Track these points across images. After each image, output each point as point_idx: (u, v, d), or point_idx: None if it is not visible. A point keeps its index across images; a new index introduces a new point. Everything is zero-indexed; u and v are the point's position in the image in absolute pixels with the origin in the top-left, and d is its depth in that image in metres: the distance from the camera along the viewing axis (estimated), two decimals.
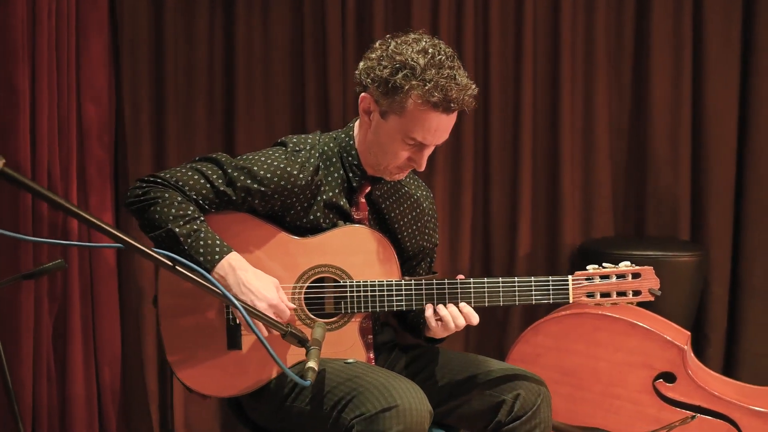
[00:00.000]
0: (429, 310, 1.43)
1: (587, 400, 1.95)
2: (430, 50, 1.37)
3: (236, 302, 1.11)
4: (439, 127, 1.39)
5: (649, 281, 1.48)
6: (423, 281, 1.46)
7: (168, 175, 1.42)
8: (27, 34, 2.06)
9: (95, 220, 0.98)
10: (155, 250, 1.03)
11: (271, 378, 1.47)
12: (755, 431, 1.80)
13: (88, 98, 2.26)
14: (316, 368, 1.15)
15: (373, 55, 1.41)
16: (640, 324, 1.94)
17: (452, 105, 1.36)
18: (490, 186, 2.57)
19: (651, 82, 2.49)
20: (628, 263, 1.50)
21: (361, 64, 1.44)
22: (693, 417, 1.76)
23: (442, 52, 1.38)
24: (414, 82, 1.35)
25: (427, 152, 1.43)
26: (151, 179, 1.42)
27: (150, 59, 2.44)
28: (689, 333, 2.03)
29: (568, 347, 1.99)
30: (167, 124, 2.47)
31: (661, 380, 1.90)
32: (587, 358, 1.97)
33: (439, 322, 1.43)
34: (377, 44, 1.43)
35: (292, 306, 1.41)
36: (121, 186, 2.42)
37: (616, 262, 2.34)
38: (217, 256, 1.36)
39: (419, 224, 1.60)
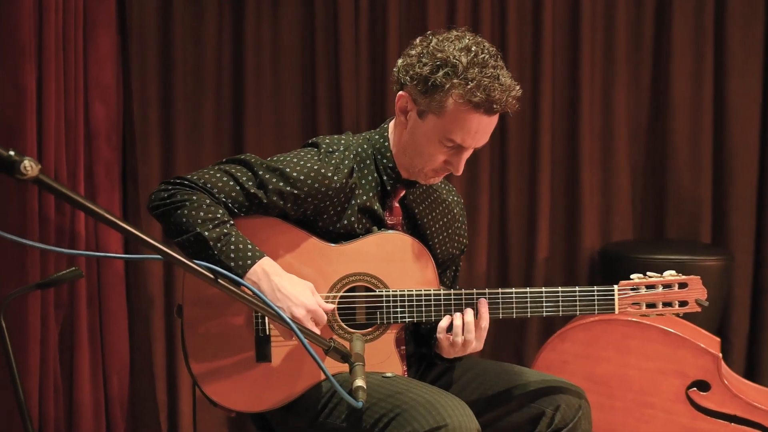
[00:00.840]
0: (445, 322, 1.37)
1: (618, 409, 1.89)
2: (473, 48, 1.31)
3: (287, 318, 1.04)
4: (480, 129, 1.33)
5: (696, 291, 1.43)
6: (463, 291, 1.39)
7: (195, 177, 1.35)
8: (33, 31, 1.97)
9: (135, 231, 0.90)
10: (197, 262, 0.96)
11: (303, 392, 1.40)
12: None
13: (95, 96, 2.17)
14: (365, 386, 1.08)
15: (413, 52, 1.35)
16: (672, 331, 1.89)
17: (495, 106, 1.30)
18: (507, 189, 2.52)
19: (672, 83, 2.45)
20: (674, 272, 1.45)
21: (400, 60, 1.38)
22: None
23: (486, 51, 1.32)
24: (455, 81, 1.29)
25: (466, 156, 1.37)
26: (177, 181, 1.34)
27: (158, 56, 2.36)
28: (719, 339, 1.98)
29: (597, 354, 1.93)
30: (175, 123, 2.39)
31: (695, 389, 1.86)
32: (617, 365, 1.91)
33: (449, 337, 1.37)
34: (417, 41, 1.37)
35: (331, 307, 1.34)
36: (130, 188, 2.33)
37: (641, 267, 2.28)
38: (249, 261, 1.29)
39: (450, 231, 1.54)
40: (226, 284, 0.99)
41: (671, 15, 2.43)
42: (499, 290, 1.40)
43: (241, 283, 1.06)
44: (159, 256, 0.91)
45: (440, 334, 1.38)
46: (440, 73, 1.29)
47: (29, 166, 0.77)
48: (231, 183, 1.35)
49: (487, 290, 1.40)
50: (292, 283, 1.30)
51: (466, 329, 1.36)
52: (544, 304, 1.39)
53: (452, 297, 1.39)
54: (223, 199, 1.34)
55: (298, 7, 2.43)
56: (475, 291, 1.40)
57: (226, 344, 1.40)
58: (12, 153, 0.77)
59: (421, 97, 1.33)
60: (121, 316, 2.27)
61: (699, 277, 1.43)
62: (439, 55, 1.31)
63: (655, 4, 2.46)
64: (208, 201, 1.32)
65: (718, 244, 2.47)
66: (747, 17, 2.40)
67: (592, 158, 2.49)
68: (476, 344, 1.38)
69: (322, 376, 1.40)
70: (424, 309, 1.39)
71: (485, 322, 1.37)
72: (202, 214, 1.30)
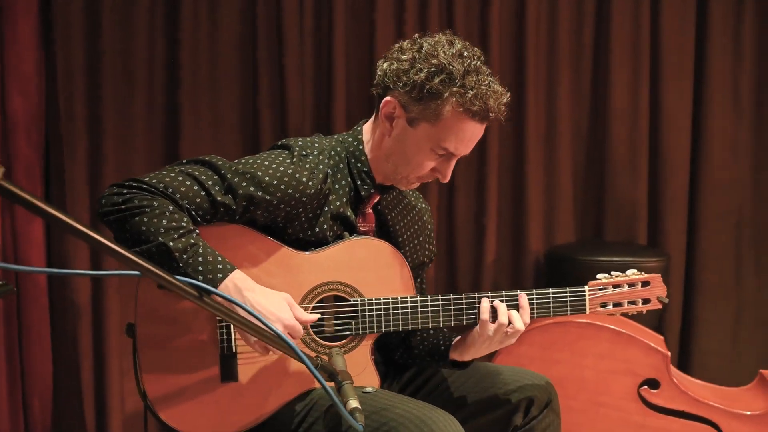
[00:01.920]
0: (486, 302, 1.31)
1: (573, 410, 1.92)
2: (465, 53, 1.28)
3: (283, 335, 0.94)
4: (473, 136, 1.31)
5: (658, 289, 1.47)
6: (440, 297, 1.35)
7: (155, 180, 1.21)
8: None
9: (110, 243, 0.78)
10: (179, 278, 0.85)
11: (273, 412, 1.30)
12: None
13: (14, 87, 1.96)
14: (360, 407, 1.00)
15: (405, 57, 1.29)
16: (624, 331, 1.94)
17: (490, 114, 1.29)
18: (455, 192, 2.51)
19: (611, 91, 2.53)
20: (636, 271, 1.48)
21: (386, 64, 1.31)
22: None
23: (476, 57, 1.29)
24: (454, 89, 1.25)
25: (453, 163, 1.34)
26: (134, 184, 1.21)
27: (85, 46, 2.16)
28: (663, 337, 2.06)
29: (552, 357, 1.95)
30: (104, 119, 2.20)
31: (646, 387, 1.91)
32: (572, 367, 1.94)
33: (492, 326, 1.31)
34: (405, 44, 1.31)
35: (314, 318, 1.26)
36: (54, 189, 2.12)
37: (586, 269, 2.32)
38: (219, 275, 1.17)
39: (420, 238, 1.50)
40: (213, 302, 0.89)
41: (609, 27, 2.51)
42: (475, 295, 1.37)
43: (229, 300, 0.94)
44: (137, 272, 0.80)
45: (484, 315, 1.31)
46: (436, 80, 1.25)
47: None
48: (195, 187, 1.23)
49: (463, 295, 1.36)
50: (267, 298, 1.20)
51: (515, 318, 1.31)
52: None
53: (429, 303, 1.34)
54: (187, 206, 1.22)
55: None
56: (452, 297, 1.35)
57: (186, 364, 1.28)
58: None
59: (413, 104, 1.28)
60: (43, 332, 2.06)
61: (660, 275, 1.47)
62: (433, 61, 1.26)
63: (594, 18, 2.53)
64: (171, 208, 1.19)
65: (653, 245, 2.58)
66: (680, 30, 2.52)
67: (537, 162, 2.53)
68: (512, 339, 1.34)
69: (294, 395, 1.31)
70: (401, 317, 1.34)
71: (527, 316, 1.34)
72: (164, 222, 1.17)
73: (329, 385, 1.06)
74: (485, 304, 1.32)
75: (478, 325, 1.34)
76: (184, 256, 1.16)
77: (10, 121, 1.97)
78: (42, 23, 2.05)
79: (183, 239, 1.17)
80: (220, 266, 1.18)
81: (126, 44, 2.22)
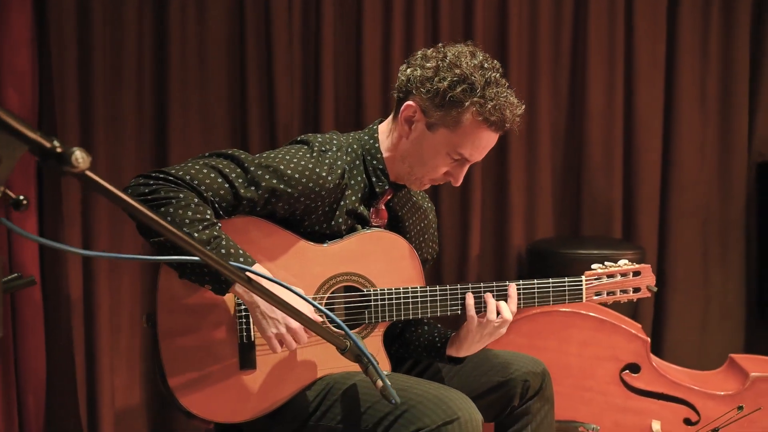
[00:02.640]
0: (470, 299, 1.38)
1: (560, 395, 2.01)
2: (486, 65, 1.35)
3: (332, 315, 1.00)
4: (488, 144, 1.38)
5: (648, 278, 1.57)
6: (448, 287, 1.42)
7: (181, 173, 1.25)
8: None
9: (182, 234, 0.84)
10: (233, 264, 0.90)
11: (289, 397, 1.35)
12: (710, 411, 1.99)
13: (8, 83, 1.95)
14: (389, 383, 1.07)
15: (429, 64, 1.35)
16: (607, 319, 2.05)
17: (506, 125, 1.36)
18: (440, 191, 2.59)
19: (587, 94, 2.65)
20: (627, 261, 1.58)
21: (409, 70, 1.37)
22: (740, 408, 1.90)
23: (496, 69, 1.36)
24: (475, 99, 1.31)
25: (466, 168, 1.41)
26: (161, 176, 1.24)
27: (78, 42, 2.16)
28: (640, 325, 2.18)
29: (540, 345, 2.05)
30: (95, 116, 2.21)
31: (627, 371, 2.03)
32: (559, 354, 2.04)
33: (481, 320, 1.38)
34: (429, 52, 1.37)
35: (319, 319, 1.32)
36: (46, 185, 2.11)
37: (567, 262, 2.42)
38: None
39: (426, 236, 1.58)
40: (258, 285, 0.94)
41: (586, 33, 2.63)
42: (481, 284, 1.45)
43: (289, 288, 1.00)
44: (197, 258, 0.85)
45: (470, 310, 1.38)
46: (458, 90, 1.31)
47: (81, 158, 0.69)
48: (219, 180, 1.27)
49: (470, 284, 1.44)
50: (284, 291, 1.25)
51: (503, 308, 1.37)
52: (522, 296, 1.46)
53: (437, 293, 1.42)
54: (211, 198, 1.26)
55: None
56: (459, 286, 1.43)
57: (206, 353, 1.32)
58: (56, 143, 0.69)
59: (434, 110, 1.34)
60: (37, 326, 2.05)
61: (649, 265, 1.57)
62: (456, 71, 1.32)
63: (572, 25, 2.65)
64: (196, 200, 1.23)
65: (628, 240, 2.71)
66: (652, 36, 2.66)
67: (519, 161, 2.64)
68: (503, 329, 1.40)
69: (309, 380, 1.37)
70: (411, 306, 1.41)
71: (514, 305, 1.40)
72: (190, 213, 1.21)
73: (356, 366, 1.12)
74: (469, 300, 1.39)
75: (466, 320, 1.40)
76: (207, 248, 1.20)
77: None
78: (35, 19, 2.04)
79: (207, 231, 1.22)
80: (241, 259, 1.23)
81: (116, 42, 2.23)
